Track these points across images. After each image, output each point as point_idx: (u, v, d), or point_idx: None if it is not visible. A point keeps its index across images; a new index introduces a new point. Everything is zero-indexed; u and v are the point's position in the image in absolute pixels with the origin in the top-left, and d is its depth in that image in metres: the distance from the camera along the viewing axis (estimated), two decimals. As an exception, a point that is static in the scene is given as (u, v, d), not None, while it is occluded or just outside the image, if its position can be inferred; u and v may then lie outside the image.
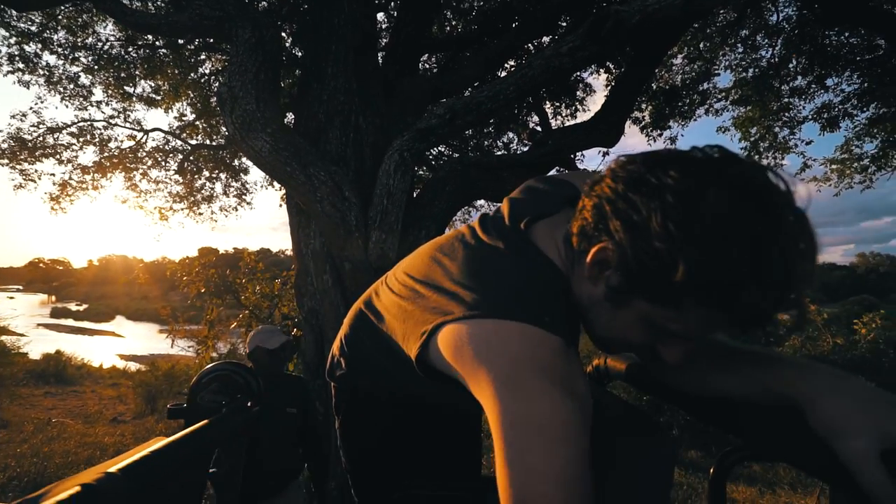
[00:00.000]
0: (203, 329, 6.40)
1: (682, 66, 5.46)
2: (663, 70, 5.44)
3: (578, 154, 5.65)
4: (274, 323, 5.91)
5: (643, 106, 5.40)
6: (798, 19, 4.71)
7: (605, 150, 5.62)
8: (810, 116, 5.33)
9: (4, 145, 5.60)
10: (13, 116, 5.67)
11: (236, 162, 6.63)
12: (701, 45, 5.12)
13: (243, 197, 6.85)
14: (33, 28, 5.10)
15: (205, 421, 0.89)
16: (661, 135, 5.51)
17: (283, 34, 4.55)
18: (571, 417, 0.53)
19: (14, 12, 4.71)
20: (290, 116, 4.77)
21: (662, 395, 0.89)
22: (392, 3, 4.86)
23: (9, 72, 5.21)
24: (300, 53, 4.58)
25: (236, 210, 6.87)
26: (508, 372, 0.55)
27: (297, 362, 5.28)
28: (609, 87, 4.94)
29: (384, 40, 4.85)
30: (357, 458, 1.10)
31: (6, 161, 5.56)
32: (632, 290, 0.55)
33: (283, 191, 5.52)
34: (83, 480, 0.61)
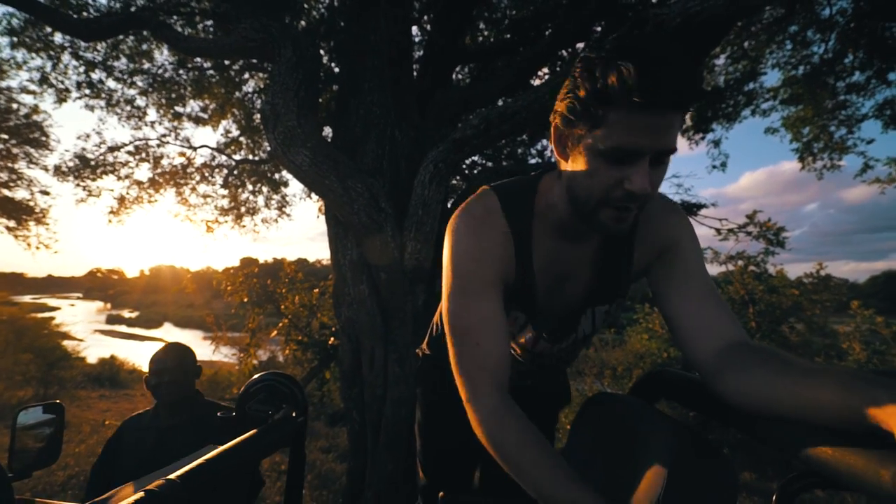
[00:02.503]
0: (245, 337, 6.65)
1: (724, 67, 5.24)
2: (704, 71, 5.24)
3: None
4: (312, 332, 6.05)
5: (684, 109, 5.21)
6: (853, 12, 4.42)
7: (643, 155, 5.46)
8: (871, 114, 4.98)
9: (70, 164, 6.09)
10: (79, 137, 6.17)
11: (277, 175, 6.90)
12: (745, 44, 4.90)
13: (283, 209, 7.12)
14: (98, 57, 5.55)
15: (253, 431, 0.92)
16: (703, 138, 5.30)
17: (321, 52, 4.72)
18: (473, 279, 0.78)
19: (83, 43, 5.14)
20: (327, 130, 4.92)
21: (713, 413, 0.83)
22: (425, 18, 4.94)
23: (77, 97, 5.67)
24: (337, 69, 4.74)
25: (277, 221, 7.14)
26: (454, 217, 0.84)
27: (335, 370, 5.38)
28: (647, 91, 4.81)
29: (418, 53, 4.93)
30: (421, 427, 1.33)
31: (72, 178, 6.03)
32: (572, 124, 0.70)
33: (321, 202, 5.68)
34: (146, 486, 0.63)
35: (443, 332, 0.96)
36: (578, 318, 0.91)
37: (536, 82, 4.99)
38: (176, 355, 1.84)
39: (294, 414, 1.07)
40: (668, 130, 0.64)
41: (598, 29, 4.38)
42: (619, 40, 0.62)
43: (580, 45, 4.55)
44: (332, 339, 5.47)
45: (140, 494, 0.60)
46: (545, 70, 4.80)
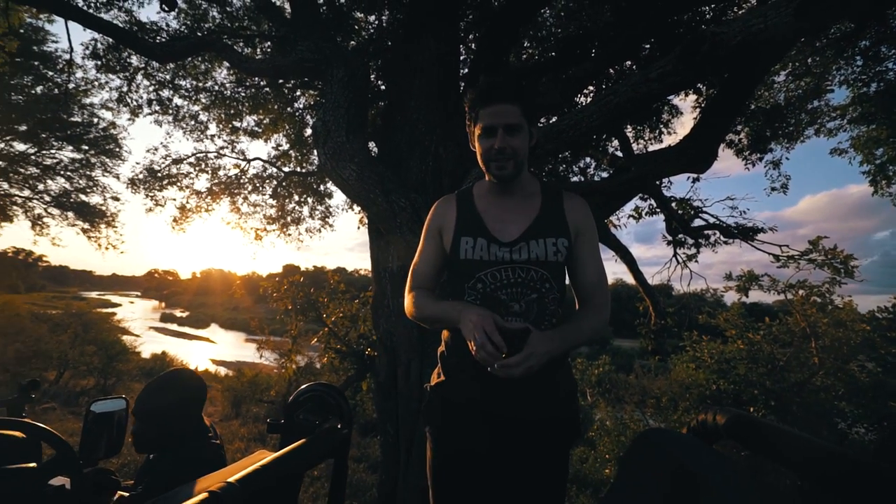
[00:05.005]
0: (285, 342, 6.87)
1: (785, 84, 4.97)
2: (763, 88, 4.99)
3: (665, 180, 5.33)
4: (351, 342, 6.15)
5: (738, 127, 4.98)
6: (934, 26, 4.09)
7: (694, 175, 5.25)
8: (955, 135, 4.54)
9: (140, 176, 6.62)
10: (148, 151, 6.70)
11: (322, 187, 7.17)
12: (809, 60, 4.63)
13: (326, 219, 7.37)
14: (167, 76, 6.05)
15: (302, 440, 0.94)
16: (760, 158, 5.01)
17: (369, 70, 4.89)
18: (424, 234, 1.40)
19: (155, 64, 5.62)
20: (372, 145, 5.08)
21: (773, 455, 0.78)
22: (472, 36, 5.04)
23: (148, 113, 6.19)
24: (383, 87, 4.90)
25: (320, 231, 7.39)
26: None
27: (370, 382, 5.43)
28: (699, 109, 4.63)
29: (464, 70, 5.03)
30: (434, 467, 1.36)
31: (142, 190, 6.56)
32: (470, 125, 1.28)
33: (362, 214, 5.83)
34: (209, 487, 0.67)
35: (444, 352, 1.37)
36: (529, 241, 1.24)
37: (581, 100, 4.95)
38: (155, 394, 1.44)
39: (339, 426, 1.10)
40: (504, 114, 1.19)
41: (647, 47, 4.30)
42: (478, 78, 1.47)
43: (628, 63, 4.48)
44: (369, 349, 5.55)
45: (204, 495, 0.64)
46: (591, 87, 4.75)
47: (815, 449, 0.75)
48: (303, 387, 1.17)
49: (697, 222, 5.47)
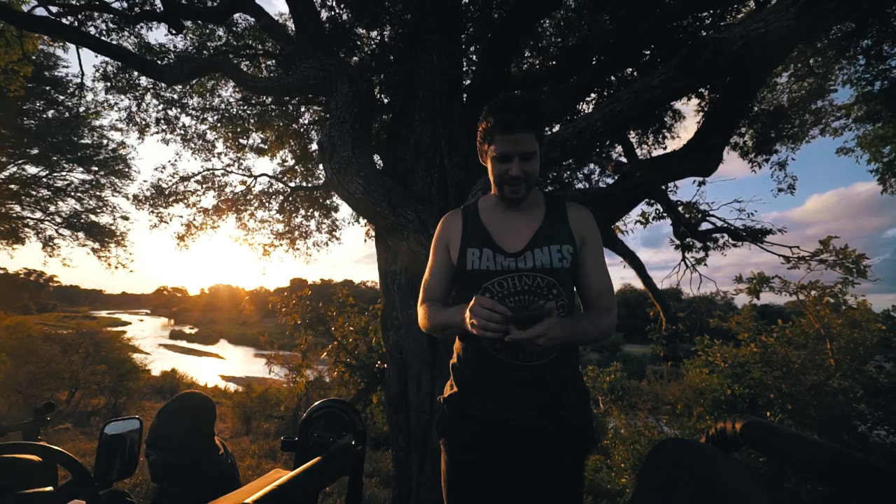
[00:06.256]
0: (293, 356, 6.86)
1: (788, 84, 4.96)
2: (766, 90, 4.98)
3: (671, 185, 5.32)
4: (360, 355, 6.13)
5: (743, 129, 4.96)
6: (937, 22, 4.07)
7: (700, 179, 5.23)
8: (964, 130, 4.49)
9: (148, 193, 6.72)
10: (156, 169, 6.80)
11: (328, 201, 7.23)
12: (811, 61, 4.62)
13: (333, 232, 7.41)
14: (175, 96, 6.17)
15: (317, 458, 0.94)
16: (766, 160, 4.98)
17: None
18: (433, 249, 1.42)
19: (163, 84, 5.74)
20: (377, 158, 5.11)
21: (791, 462, 0.77)
22: (473, 47, 5.10)
23: (156, 132, 6.30)
24: (387, 101, 4.96)
25: (327, 245, 7.43)
26: None
27: (380, 395, 5.40)
28: (703, 113, 4.63)
29: (467, 81, 5.07)
30: (447, 479, 1.37)
31: (147, 206, 6.65)
32: (483, 144, 1.30)
33: (368, 226, 5.86)
34: (225, 511, 0.66)
35: (456, 363, 1.37)
36: (534, 250, 1.28)
37: (583, 107, 4.97)
38: (170, 421, 1.44)
39: (353, 442, 1.09)
40: (521, 142, 1.20)
41: (648, 53, 4.32)
42: (495, 99, 1.25)
43: (629, 70, 4.50)
44: (378, 362, 5.53)
45: (221, 519, 0.63)
46: (593, 94, 4.77)
47: (833, 455, 0.73)
48: (316, 404, 1.16)
49: (705, 225, 5.44)
